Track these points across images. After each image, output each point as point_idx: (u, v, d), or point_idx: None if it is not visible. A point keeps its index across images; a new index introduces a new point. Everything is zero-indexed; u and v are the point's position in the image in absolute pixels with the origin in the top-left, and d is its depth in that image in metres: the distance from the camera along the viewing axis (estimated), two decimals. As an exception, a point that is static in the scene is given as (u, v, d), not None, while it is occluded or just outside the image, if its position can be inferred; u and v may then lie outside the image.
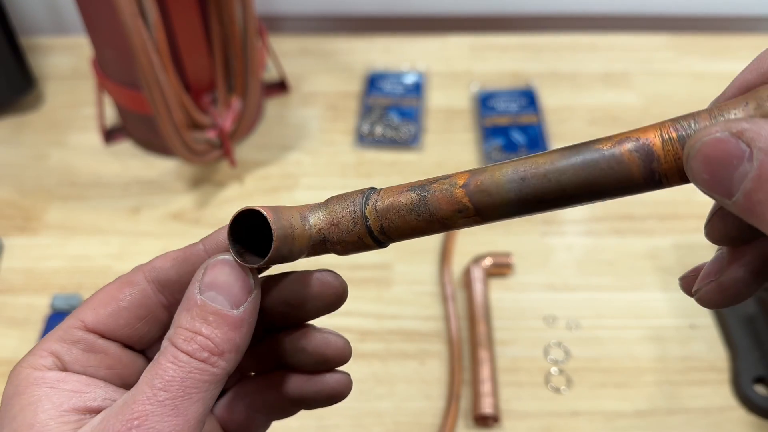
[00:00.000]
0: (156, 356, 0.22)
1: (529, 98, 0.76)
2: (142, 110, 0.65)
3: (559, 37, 0.85)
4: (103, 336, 0.24)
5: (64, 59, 0.83)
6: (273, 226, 0.22)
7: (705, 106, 0.25)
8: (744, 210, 0.17)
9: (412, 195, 0.23)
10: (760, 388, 0.51)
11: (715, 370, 0.53)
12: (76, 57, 0.83)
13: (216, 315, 0.22)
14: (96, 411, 0.22)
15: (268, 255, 0.23)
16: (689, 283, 0.24)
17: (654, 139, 0.21)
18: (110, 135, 0.73)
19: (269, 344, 0.28)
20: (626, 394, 0.51)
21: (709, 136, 0.18)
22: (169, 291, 0.25)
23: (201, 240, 0.26)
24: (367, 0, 0.90)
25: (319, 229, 0.25)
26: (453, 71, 0.81)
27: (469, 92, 0.78)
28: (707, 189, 0.18)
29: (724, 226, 0.22)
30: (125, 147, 0.72)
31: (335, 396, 0.27)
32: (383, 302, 0.57)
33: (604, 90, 0.78)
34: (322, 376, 0.27)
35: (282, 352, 0.27)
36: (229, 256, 0.23)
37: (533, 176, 0.22)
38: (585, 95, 0.77)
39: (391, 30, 0.87)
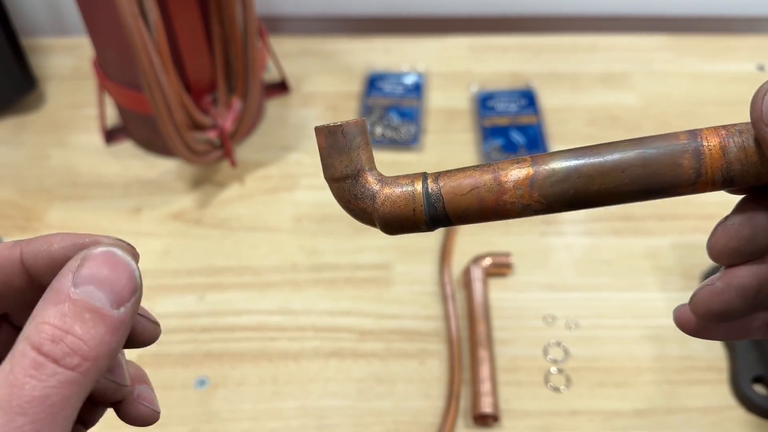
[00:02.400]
0: (8, 361, 0.18)
1: (528, 99, 0.76)
2: (143, 110, 0.65)
3: (558, 38, 0.85)
4: None
5: (65, 60, 0.84)
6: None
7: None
8: None
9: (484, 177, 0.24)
10: (758, 388, 0.51)
11: (714, 369, 0.53)
12: (77, 57, 0.83)
13: (94, 313, 0.18)
14: None
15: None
16: (683, 312, 0.26)
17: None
18: (111, 135, 0.73)
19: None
20: (625, 393, 0.52)
21: None
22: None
23: (18, 242, 0.22)
24: (367, 1, 0.90)
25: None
26: (453, 72, 0.81)
27: (468, 93, 0.78)
28: None
29: (725, 237, 0.23)
30: (126, 147, 0.73)
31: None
32: (383, 302, 0.58)
33: (603, 90, 0.78)
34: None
35: None
36: (116, 248, 0.20)
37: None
38: (584, 96, 0.77)
39: (391, 31, 0.87)
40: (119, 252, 0.20)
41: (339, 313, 0.57)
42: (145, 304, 0.22)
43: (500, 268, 0.59)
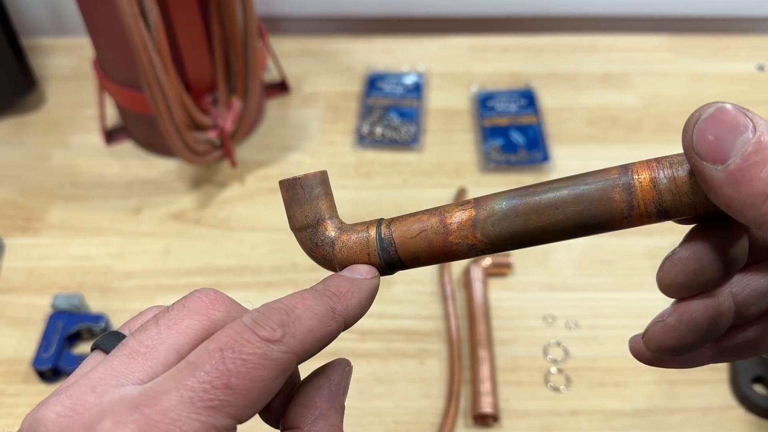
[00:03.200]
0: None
1: (528, 99, 0.76)
2: (144, 111, 0.65)
3: (558, 38, 0.85)
4: None
5: (66, 60, 0.84)
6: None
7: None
8: (733, 174, 0.19)
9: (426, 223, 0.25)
10: (758, 388, 0.51)
11: (714, 369, 0.53)
12: (78, 58, 0.84)
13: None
14: None
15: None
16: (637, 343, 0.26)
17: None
18: (111, 135, 0.73)
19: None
20: (625, 393, 0.52)
21: (722, 105, 0.20)
22: None
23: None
24: (367, 1, 0.90)
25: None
26: (453, 72, 0.81)
27: (468, 93, 0.78)
28: (706, 151, 0.20)
29: (673, 271, 0.23)
30: (126, 147, 0.73)
31: None
32: (383, 302, 0.58)
33: (603, 91, 0.78)
34: None
35: None
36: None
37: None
38: (584, 96, 0.77)
39: (391, 31, 0.87)
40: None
41: (339, 313, 0.57)
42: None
43: (500, 268, 0.59)
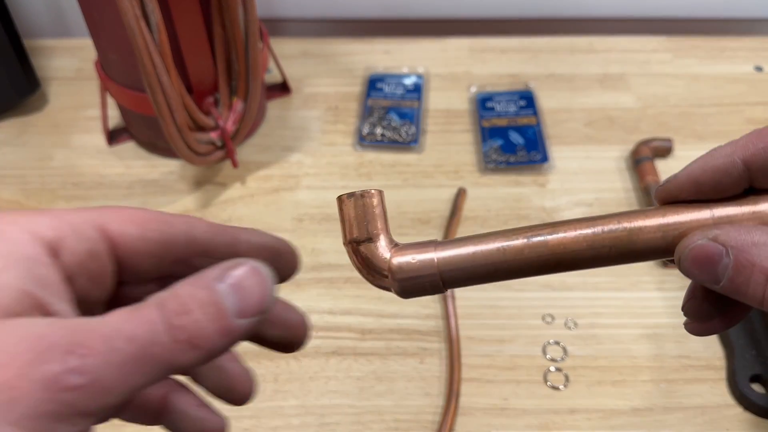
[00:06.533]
0: (137, 306, 0.19)
1: (527, 100, 0.76)
2: (146, 112, 0.65)
3: (556, 40, 0.86)
4: (114, 248, 0.23)
5: (68, 61, 0.84)
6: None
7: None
8: (729, 291, 0.23)
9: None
10: (756, 387, 0.51)
11: (712, 368, 0.53)
12: (80, 59, 0.84)
13: (217, 310, 0.20)
14: (47, 314, 0.20)
15: None
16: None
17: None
18: (114, 136, 0.74)
19: None
20: (623, 392, 0.52)
21: (694, 244, 0.23)
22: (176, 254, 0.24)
23: (186, 218, 0.24)
24: (367, 3, 0.91)
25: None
26: (452, 73, 0.81)
27: (468, 94, 0.78)
28: (699, 280, 0.24)
29: (697, 306, 0.26)
30: (128, 148, 0.73)
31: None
32: (383, 301, 0.58)
33: (601, 92, 0.78)
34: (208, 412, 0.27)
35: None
36: (265, 268, 0.21)
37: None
38: (582, 97, 0.78)
39: (391, 32, 0.88)
40: (267, 276, 0.21)
41: (339, 312, 0.57)
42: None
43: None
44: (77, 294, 0.22)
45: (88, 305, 0.23)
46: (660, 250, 0.25)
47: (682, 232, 0.25)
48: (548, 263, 0.26)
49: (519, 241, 0.26)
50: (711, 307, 0.26)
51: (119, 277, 0.24)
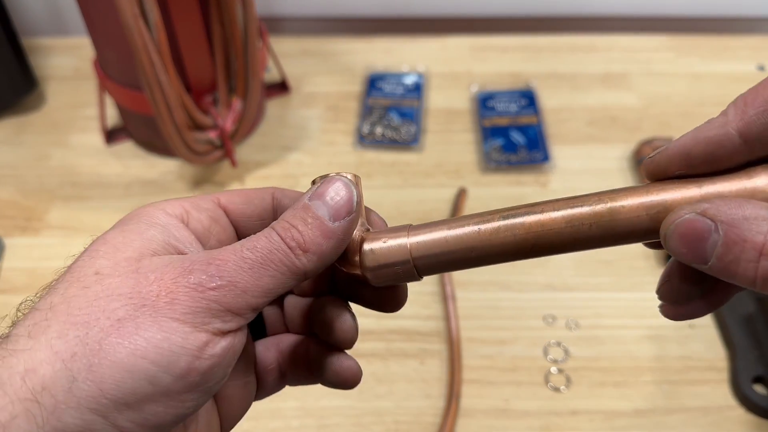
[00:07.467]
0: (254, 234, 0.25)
1: (528, 99, 0.76)
2: (144, 111, 0.65)
3: (558, 38, 0.85)
4: (227, 214, 0.28)
5: (66, 60, 0.84)
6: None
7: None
8: (719, 271, 0.21)
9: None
10: (759, 388, 0.51)
11: (714, 369, 0.53)
12: (78, 58, 0.84)
13: (314, 219, 0.24)
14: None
15: None
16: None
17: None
18: (111, 135, 0.73)
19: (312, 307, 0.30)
20: (625, 393, 0.52)
21: (680, 218, 0.21)
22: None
23: (272, 188, 0.29)
24: (367, 1, 0.90)
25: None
26: (453, 72, 0.81)
27: (468, 93, 0.78)
28: (686, 260, 0.22)
29: (674, 289, 0.24)
30: (126, 147, 0.73)
31: (346, 379, 0.29)
32: (383, 302, 0.58)
33: (603, 91, 0.78)
34: (338, 355, 0.29)
35: (314, 316, 0.29)
36: (346, 178, 0.26)
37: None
38: (584, 96, 0.77)
39: (391, 31, 0.88)
40: (347, 183, 0.25)
41: (339, 313, 0.57)
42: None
43: (500, 268, 0.58)
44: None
45: None
46: (643, 229, 0.23)
47: (668, 209, 0.22)
48: (526, 244, 0.24)
49: (495, 223, 0.25)
50: (691, 290, 0.24)
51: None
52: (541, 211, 0.24)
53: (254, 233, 0.26)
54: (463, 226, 0.25)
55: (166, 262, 0.23)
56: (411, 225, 0.26)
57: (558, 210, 0.24)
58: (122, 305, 0.22)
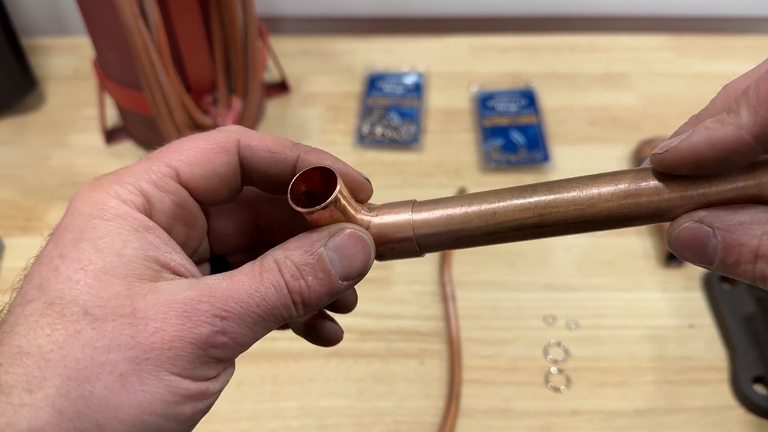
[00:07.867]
0: (259, 267, 0.23)
1: (528, 99, 0.76)
2: (144, 111, 0.65)
3: (558, 38, 0.85)
4: (190, 193, 0.25)
5: (66, 60, 0.84)
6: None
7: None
8: (723, 270, 0.22)
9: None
10: (759, 388, 0.51)
11: (714, 369, 0.53)
12: (78, 58, 0.84)
13: (325, 275, 0.24)
14: (173, 271, 0.23)
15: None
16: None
17: None
18: (111, 135, 0.73)
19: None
20: (625, 393, 0.52)
21: (681, 227, 0.23)
22: (248, 173, 0.26)
23: (296, 144, 0.27)
24: (366, 1, 0.90)
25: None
26: (453, 72, 0.81)
27: (468, 93, 0.78)
28: (694, 263, 0.23)
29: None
30: (126, 147, 0.73)
31: (327, 337, 0.30)
32: (383, 302, 0.58)
33: (603, 90, 0.78)
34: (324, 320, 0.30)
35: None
36: (364, 234, 0.25)
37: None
38: (584, 96, 0.77)
39: (391, 31, 0.87)
40: (368, 240, 0.25)
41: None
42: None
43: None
44: (180, 240, 0.25)
45: (192, 244, 0.27)
46: (621, 218, 0.24)
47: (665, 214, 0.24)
48: (530, 222, 0.25)
49: (502, 203, 0.25)
50: None
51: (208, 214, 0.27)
52: (549, 191, 0.24)
53: (223, 200, 0.25)
54: (467, 204, 0.25)
55: (163, 301, 0.22)
56: (415, 201, 0.26)
57: (568, 191, 0.24)
58: (123, 358, 0.21)
